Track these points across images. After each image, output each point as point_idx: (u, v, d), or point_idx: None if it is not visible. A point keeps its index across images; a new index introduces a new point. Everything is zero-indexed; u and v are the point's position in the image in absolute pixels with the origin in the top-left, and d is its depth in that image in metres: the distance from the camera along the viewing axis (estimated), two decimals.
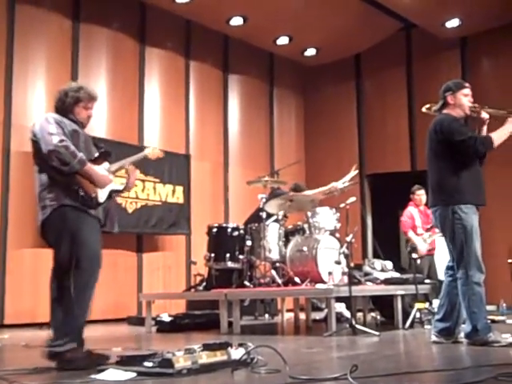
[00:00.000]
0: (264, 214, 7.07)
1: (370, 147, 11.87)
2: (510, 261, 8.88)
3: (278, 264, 7.05)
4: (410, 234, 8.03)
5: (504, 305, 8.20)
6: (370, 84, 12.03)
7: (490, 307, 8.17)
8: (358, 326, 5.77)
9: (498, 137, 4.75)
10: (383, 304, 7.22)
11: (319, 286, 6.30)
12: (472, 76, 10.91)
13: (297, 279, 6.70)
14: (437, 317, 4.94)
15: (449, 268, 4.88)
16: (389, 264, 7.56)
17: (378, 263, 7.50)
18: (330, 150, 11.99)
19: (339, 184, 7.62)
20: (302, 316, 7.89)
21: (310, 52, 11.71)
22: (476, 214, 4.78)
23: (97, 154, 4.19)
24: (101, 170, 4.15)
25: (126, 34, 9.80)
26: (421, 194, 8.12)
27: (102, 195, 4.10)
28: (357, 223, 11.41)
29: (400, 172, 11.21)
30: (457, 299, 4.76)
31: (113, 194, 4.24)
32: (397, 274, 7.38)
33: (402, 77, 11.64)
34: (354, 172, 7.79)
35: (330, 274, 6.42)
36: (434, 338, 4.87)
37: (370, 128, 11.91)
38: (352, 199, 7.32)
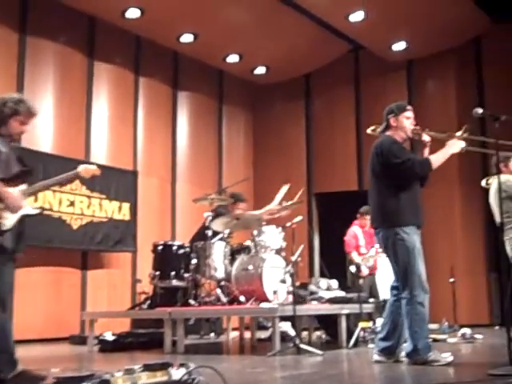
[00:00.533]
0: (210, 232, 7.04)
1: (318, 166, 11.97)
2: (451, 280, 9.01)
3: (223, 282, 7.01)
4: (353, 254, 8.12)
5: (446, 324, 8.30)
6: (320, 103, 12.15)
7: (433, 326, 8.30)
8: (301, 346, 5.77)
9: (437, 159, 4.83)
10: (328, 323, 7.22)
11: (264, 305, 6.29)
12: (417, 98, 11.15)
13: (242, 298, 6.67)
14: (379, 336, 4.98)
15: (393, 288, 4.94)
16: (334, 283, 7.61)
17: (323, 282, 7.55)
18: (278, 167, 12.04)
19: (273, 205, 7.62)
20: (248, 335, 7.87)
21: (260, 70, 11.77)
22: (418, 234, 4.86)
23: (14, 173, 3.96)
24: (15, 192, 3.93)
25: (75, 48, 9.66)
26: (368, 219, 8.19)
27: (9, 221, 3.86)
28: (303, 242, 11.50)
29: (347, 191, 11.32)
30: (400, 319, 4.81)
31: (25, 218, 3.98)
32: (342, 293, 7.43)
33: (350, 97, 11.81)
34: (284, 188, 7.77)
35: (274, 292, 6.42)
36: (375, 357, 4.90)
37: (319, 147, 12.02)
38: (298, 218, 7.35)
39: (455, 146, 4.86)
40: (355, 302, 6.69)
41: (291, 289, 6.49)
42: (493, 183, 6.16)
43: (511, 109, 10.27)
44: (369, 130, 5.24)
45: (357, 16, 9.88)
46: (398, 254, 4.76)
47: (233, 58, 11.22)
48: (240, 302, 6.64)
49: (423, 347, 4.63)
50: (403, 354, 4.79)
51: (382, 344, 4.89)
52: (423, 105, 11.02)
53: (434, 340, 7.17)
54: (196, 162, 11.40)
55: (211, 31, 10.22)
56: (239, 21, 10.01)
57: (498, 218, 6.12)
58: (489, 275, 10.41)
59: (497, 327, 9.33)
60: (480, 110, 4.45)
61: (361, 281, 8.05)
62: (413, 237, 4.78)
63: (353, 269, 7.93)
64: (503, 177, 6.09)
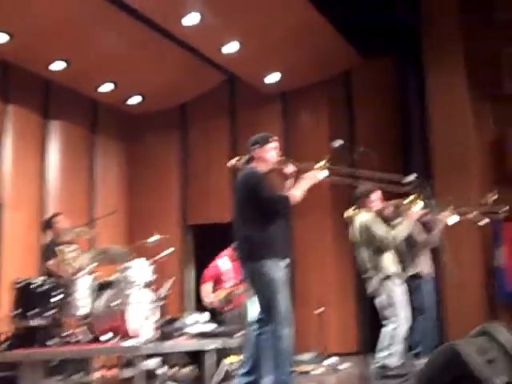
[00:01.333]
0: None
1: (192, 197, 11.86)
2: (317, 311, 9.10)
3: (86, 320, 6.74)
4: (205, 286, 8.01)
5: (314, 354, 8.34)
6: (195, 134, 12.07)
7: (303, 357, 8.35)
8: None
9: (299, 190, 4.82)
10: (200, 357, 7.10)
11: (126, 343, 6.07)
12: (292, 129, 11.34)
13: (106, 336, 6.42)
14: (242, 371, 4.89)
15: (257, 321, 4.87)
16: (205, 316, 7.48)
17: (191, 317, 7.40)
18: (153, 199, 11.85)
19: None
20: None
21: (135, 100, 11.55)
22: (282, 267, 4.82)
23: None
24: None
25: None
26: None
27: None
28: (177, 275, 11.33)
29: (222, 223, 11.24)
30: (260, 353, 4.74)
31: None
32: (212, 327, 7.31)
33: (226, 128, 11.82)
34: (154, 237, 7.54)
35: (139, 329, 6.22)
36: None
37: (194, 178, 11.91)
38: (169, 250, 7.22)
39: (313, 177, 4.89)
40: (223, 335, 6.60)
41: (157, 325, 6.34)
42: (357, 220, 6.26)
43: (381, 141, 10.86)
44: (232, 162, 5.18)
45: (230, 47, 9.91)
46: (262, 286, 4.71)
47: (107, 87, 10.93)
48: (100, 341, 6.39)
49: (284, 382, 4.59)
50: None
51: (244, 379, 4.80)
52: (298, 136, 11.23)
53: (300, 372, 7.23)
54: (67, 195, 10.95)
55: (84, 58, 9.90)
56: (113, 49, 9.75)
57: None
58: (358, 303, 10.60)
59: (362, 356, 9.50)
60: (338, 142, 4.51)
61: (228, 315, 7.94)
62: (278, 270, 4.74)
63: (224, 301, 7.86)
64: (362, 215, 6.22)
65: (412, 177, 5.58)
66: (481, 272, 10.09)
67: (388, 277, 6.03)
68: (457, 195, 9.01)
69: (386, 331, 5.94)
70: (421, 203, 5.93)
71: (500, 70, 10.90)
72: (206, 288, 8.15)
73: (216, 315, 7.95)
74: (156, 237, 7.24)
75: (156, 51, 9.97)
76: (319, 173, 4.90)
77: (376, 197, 6.31)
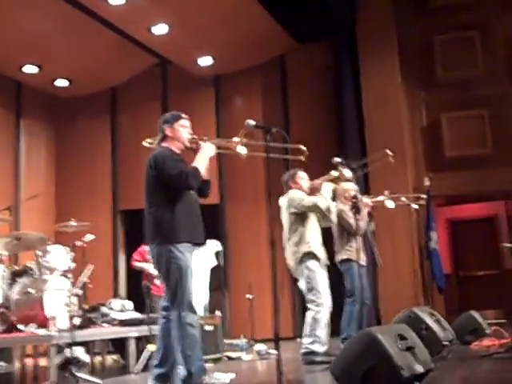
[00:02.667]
0: None
1: (123, 182, 11.56)
2: (248, 296, 8.95)
3: (0, 309, 6.41)
4: (137, 264, 7.85)
5: (244, 340, 8.20)
6: (126, 118, 11.76)
7: (233, 342, 8.21)
8: (79, 374, 5.35)
9: (200, 164, 4.58)
10: (124, 346, 6.88)
11: (40, 332, 5.78)
12: (225, 113, 11.16)
13: (21, 326, 6.11)
14: (154, 362, 4.67)
15: (164, 309, 4.61)
16: (128, 304, 7.25)
17: (116, 303, 7.16)
18: (82, 184, 11.53)
19: None
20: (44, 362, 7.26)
21: (62, 83, 11.15)
22: (191, 253, 4.59)
23: None
24: None
25: None
26: None
27: None
28: (108, 260, 11.06)
29: None
30: (171, 342, 4.50)
31: None
32: (137, 315, 7.09)
33: (157, 112, 11.41)
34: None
35: (54, 318, 5.93)
36: None
37: (125, 163, 11.58)
38: (90, 237, 6.95)
39: (208, 149, 4.64)
40: (146, 323, 6.38)
41: (78, 312, 6.09)
42: (283, 201, 6.17)
43: (315, 125, 10.79)
44: (144, 143, 4.94)
45: (160, 29, 9.65)
46: (169, 272, 4.46)
47: (30, 69, 10.49)
48: (18, 330, 6.09)
49: (197, 371, 4.37)
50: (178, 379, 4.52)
51: (157, 371, 4.57)
52: (231, 120, 11.04)
53: (229, 358, 7.07)
54: None
55: (5, 38, 9.49)
56: (36, 29, 9.36)
57: (286, 233, 6.14)
58: (293, 287, 10.51)
59: (299, 340, 9.41)
60: (252, 122, 4.32)
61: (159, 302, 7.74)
62: (186, 255, 4.50)
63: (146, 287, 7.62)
64: (290, 192, 6.11)
65: (337, 159, 5.45)
66: (415, 255, 10.14)
67: (308, 254, 5.89)
68: (391, 180, 9.05)
69: (308, 316, 5.83)
70: (348, 172, 5.79)
71: (433, 56, 10.97)
72: (140, 264, 7.96)
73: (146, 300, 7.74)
74: (90, 236, 6.94)
75: (83, 32, 9.61)
76: (211, 145, 4.66)
77: (302, 175, 6.20)
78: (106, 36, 9.85)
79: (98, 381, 5.23)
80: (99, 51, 10.23)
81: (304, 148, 5.32)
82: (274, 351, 7.26)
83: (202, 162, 4.61)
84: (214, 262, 11.07)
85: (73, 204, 11.16)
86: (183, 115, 4.75)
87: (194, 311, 4.46)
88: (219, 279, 10.96)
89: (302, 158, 5.37)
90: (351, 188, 5.96)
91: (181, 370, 4.40)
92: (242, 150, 4.66)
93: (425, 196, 8.10)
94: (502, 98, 10.69)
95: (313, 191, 6.15)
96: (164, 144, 4.70)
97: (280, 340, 8.47)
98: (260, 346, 7.19)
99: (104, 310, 7.01)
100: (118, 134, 11.80)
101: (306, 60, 11.05)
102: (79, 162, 11.72)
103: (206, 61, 10.82)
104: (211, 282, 11.18)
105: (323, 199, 5.97)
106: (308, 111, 10.97)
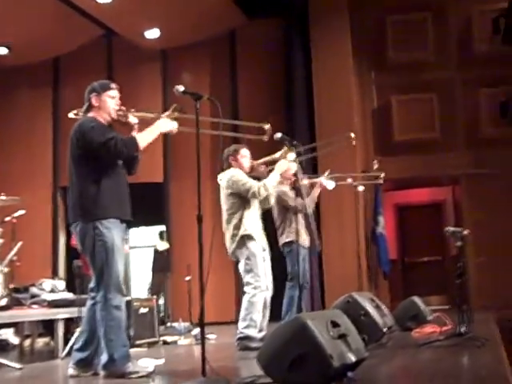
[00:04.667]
0: None
1: (65, 158, 11.06)
2: (187, 278, 8.69)
3: None
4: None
5: (183, 324, 7.95)
6: (69, 90, 11.25)
7: (171, 326, 7.96)
8: None
9: (144, 137, 4.34)
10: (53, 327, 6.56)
11: None
12: (172, 87, 10.77)
13: None
14: (75, 346, 4.40)
15: (91, 290, 4.34)
16: (60, 284, 6.92)
17: (47, 284, 6.82)
18: (22, 158, 11.10)
19: None
20: None
21: (1, 50, 10.59)
22: (120, 229, 4.34)
23: None
24: None
25: None
26: None
27: None
28: (39, 239, 10.64)
29: None
30: (97, 326, 4.26)
31: None
32: (68, 295, 6.77)
33: None
34: None
35: None
36: (70, 370, 4.31)
37: (66, 137, 11.05)
38: (21, 212, 6.60)
39: (164, 124, 4.40)
40: (77, 305, 6.06)
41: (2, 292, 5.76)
42: (222, 179, 5.88)
43: (264, 102, 10.53)
44: (71, 114, 4.65)
45: None
46: (95, 251, 4.20)
47: None
48: None
49: (120, 357, 4.14)
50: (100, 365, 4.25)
51: (78, 355, 4.33)
52: (178, 97, 10.69)
53: (165, 342, 6.83)
54: None
55: None
56: None
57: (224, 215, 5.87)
58: (237, 270, 10.28)
59: None
60: (181, 88, 4.04)
61: None
62: (113, 232, 4.25)
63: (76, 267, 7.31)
64: (230, 171, 5.83)
65: (279, 134, 5.19)
66: (361, 239, 10.03)
67: (246, 237, 5.64)
68: (339, 163, 8.87)
69: (244, 299, 5.59)
70: (292, 155, 5.52)
71: (385, 37, 10.83)
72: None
73: (83, 282, 7.41)
74: (20, 211, 6.58)
75: None
76: (168, 121, 4.40)
77: (245, 153, 5.90)
78: (49, 2, 9.38)
79: (17, 366, 4.92)
80: (41, 18, 9.73)
81: (267, 126, 5.10)
82: (212, 335, 7.07)
83: (149, 135, 4.36)
84: (159, 243, 10.81)
85: (11, 177, 10.72)
86: (112, 85, 4.49)
87: (121, 292, 4.25)
88: (162, 260, 10.70)
89: (265, 137, 5.15)
90: (291, 167, 5.71)
91: (103, 356, 4.17)
92: (171, 125, 4.43)
93: (379, 177, 7.95)
94: (452, 81, 10.65)
95: (253, 170, 5.88)
96: (90, 114, 4.43)
97: (221, 324, 8.27)
98: (198, 330, 6.94)
99: (34, 290, 6.67)
100: (60, 107, 11.30)
101: (255, 36, 10.81)
102: (18, 135, 11.26)
103: (152, 33, 10.43)
104: (154, 264, 10.92)
105: (266, 187, 5.64)
106: (257, 88, 10.73)
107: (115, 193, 4.31)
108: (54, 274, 10.17)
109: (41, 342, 7.00)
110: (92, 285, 4.33)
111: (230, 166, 5.90)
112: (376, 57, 10.87)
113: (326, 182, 6.89)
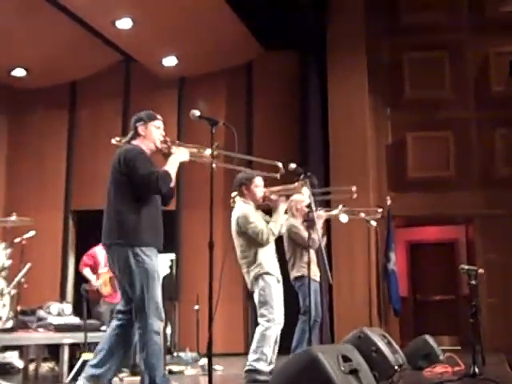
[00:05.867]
0: None
1: (78, 181, 11.13)
2: (195, 307, 8.60)
3: None
4: (85, 271, 7.50)
5: (190, 354, 7.85)
6: (85, 115, 11.34)
7: (179, 355, 7.85)
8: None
9: (171, 168, 4.39)
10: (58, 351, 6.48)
11: None
12: (188, 116, 10.73)
13: None
14: (91, 362, 4.37)
15: (120, 312, 4.39)
16: (67, 308, 6.86)
17: (54, 307, 6.78)
18: (34, 180, 11.05)
19: None
20: None
21: (19, 73, 10.63)
22: (156, 256, 4.37)
23: None
24: None
25: None
26: None
27: None
28: (49, 262, 10.58)
29: None
30: (118, 346, 4.32)
31: None
32: (76, 320, 6.71)
33: (118, 111, 11.13)
34: None
35: None
36: (80, 382, 4.28)
37: (81, 161, 11.18)
38: (30, 233, 6.57)
39: (181, 154, 4.46)
40: (83, 330, 6.00)
41: (8, 314, 5.69)
42: (234, 211, 5.78)
43: (278, 135, 10.53)
44: (113, 141, 4.65)
45: (124, 23, 9.30)
46: (134, 276, 4.24)
47: None
48: None
49: (161, 380, 4.20)
50: None
51: (91, 370, 4.29)
52: (193, 124, 10.69)
53: (171, 372, 6.73)
54: None
55: None
56: None
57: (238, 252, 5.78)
58: (247, 301, 10.20)
59: None
60: (197, 112, 4.06)
61: (103, 307, 7.41)
62: (153, 259, 4.30)
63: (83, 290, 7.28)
64: (241, 207, 5.73)
65: (293, 165, 5.15)
66: (372, 275, 9.91)
67: (263, 274, 5.57)
68: (353, 199, 8.80)
69: (257, 331, 5.49)
70: (306, 190, 5.46)
71: (401, 74, 10.84)
72: (87, 273, 7.58)
73: (91, 307, 7.34)
74: (30, 232, 6.57)
75: (43, 21, 9.17)
76: (185, 151, 4.48)
77: (259, 183, 5.80)
78: (68, 26, 9.42)
79: None
80: (60, 42, 9.77)
81: (280, 165, 5.11)
82: (219, 367, 6.96)
83: (173, 166, 4.42)
84: (167, 271, 10.72)
85: (23, 199, 10.72)
86: (158, 116, 4.58)
87: (161, 318, 4.29)
88: (171, 289, 10.59)
89: (277, 175, 5.16)
90: (303, 199, 5.63)
91: (145, 379, 4.21)
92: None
93: (381, 210, 7.87)
94: (468, 121, 10.62)
95: (266, 200, 5.80)
96: (134, 142, 4.49)
97: (229, 355, 8.17)
98: (205, 361, 6.84)
99: (41, 313, 6.61)
100: (75, 131, 11.35)
101: (273, 68, 10.85)
102: (32, 157, 11.24)
103: (170, 61, 10.49)
104: (163, 292, 10.82)
105: (272, 230, 5.57)
106: (272, 120, 10.73)
107: (153, 221, 4.37)
108: (62, 298, 10.09)
109: (45, 366, 6.91)
110: (121, 308, 4.39)
111: (242, 195, 5.81)
112: (392, 93, 10.87)
113: (340, 216, 6.83)
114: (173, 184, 4.45)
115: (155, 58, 10.44)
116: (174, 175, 4.40)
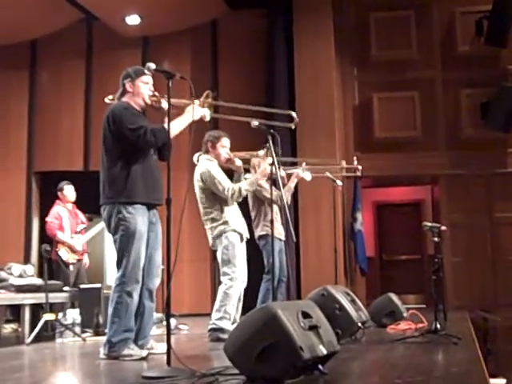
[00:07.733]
0: None
1: (40, 143, 10.90)
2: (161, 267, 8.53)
3: None
4: (60, 235, 7.41)
5: (155, 314, 7.79)
6: (47, 74, 11.08)
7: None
8: None
9: (176, 125, 4.30)
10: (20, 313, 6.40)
11: None
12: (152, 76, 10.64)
13: None
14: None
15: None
16: (29, 269, 6.75)
17: (16, 268, 6.65)
18: None
19: None
20: None
21: None
22: (145, 215, 4.34)
23: None
24: None
25: None
26: (69, 190, 7.61)
27: None
28: (12, 224, 10.45)
29: (72, 171, 10.40)
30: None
31: None
32: (38, 280, 6.61)
33: (80, 70, 10.88)
34: None
35: None
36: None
37: (43, 122, 10.92)
38: None
39: (194, 112, 4.36)
40: (44, 290, 5.93)
41: None
42: (197, 168, 5.72)
43: (244, 94, 10.39)
44: (107, 99, 4.67)
45: None
46: (117, 234, 4.27)
47: None
48: None
49: (118, 341, 4.22)
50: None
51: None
52: (158, 83, 10.54)
53: None
54: None
55: None
56: None
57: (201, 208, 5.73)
58: (214, 262, 10.16)
59: None
60: (152, 65, 4.00)
61: (71, 267, 7.39)
62: (137, 218, 4.27)
63: (62, 254, 7.25)
64: (205, 164, 5.66)
65: (256, 122, 5.08)
66: (339, 235, 9.93)
67: (228, 231, 5.52)
68: (320, 157, 8.77)
69: (220, 290, 5.48)
70: (269, 159, 5.42)
71: (368, 34, 10.75)
72: (61, 236, 7.50)
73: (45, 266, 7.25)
74: None
75: None
76: (199, 109, 4.41)
77: (225, 143, 5.74)
78: None
79: None
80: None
81: (294, 114, 5.12)
82: (184, 326, 6.96)
83: (180, 124, 4.35)
84: None
85: None
86: (146, 71, 4.48)
87: (137, 281, 4.28)
88: None
89: (292, 125, 5.16)
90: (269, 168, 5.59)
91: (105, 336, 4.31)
92: (202, 112, 4.44)
93: (356, 166, 7.90)
94: (434, 81, 10.61)
95: (229, 162, 5.74)
96: (124, 99, 4.48)
97: (196, 315, 8.15)
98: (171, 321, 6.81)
99: (2, 274, 6.50)
100: (36, 91, 11.08)
101: (238, 27, 10.67)
102: None
103: (133, 20, 10.25)
104: None
105: (241, 193, 5.53)
106: (238, 79, 10.58)
107: (144, 178, 4.34)
108: (27, 260, 9.98)
109: (8, 327, 6.85)
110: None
111: (206, 151, 5.75)
112: (359, 54, 10.80)
113: (303, 173, 6.81)
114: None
115: (118, 17, 10.19)
116: (176, 131, 4.28)
